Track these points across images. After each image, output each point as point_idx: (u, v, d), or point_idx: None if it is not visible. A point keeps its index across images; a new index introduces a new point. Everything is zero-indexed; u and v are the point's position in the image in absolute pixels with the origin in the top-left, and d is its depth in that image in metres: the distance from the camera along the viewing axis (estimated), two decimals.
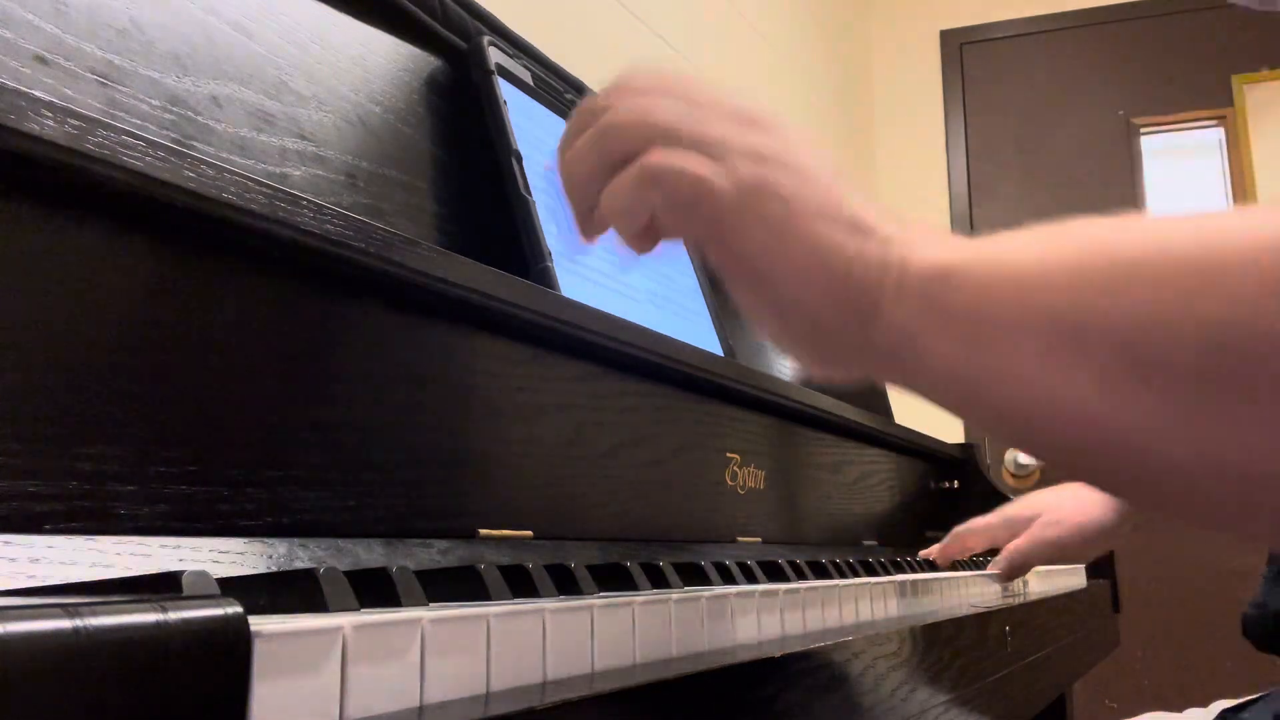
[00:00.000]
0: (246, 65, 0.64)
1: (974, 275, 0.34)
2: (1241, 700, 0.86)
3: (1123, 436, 0.31)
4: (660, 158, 0.38)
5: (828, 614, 0.60)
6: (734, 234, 0.38)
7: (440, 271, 0.54)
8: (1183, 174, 3.01)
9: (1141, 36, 3.04)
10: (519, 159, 0.80)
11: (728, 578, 0.60)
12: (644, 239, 0.41)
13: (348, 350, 0.51)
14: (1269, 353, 0.27)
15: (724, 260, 0.39)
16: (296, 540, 0.46)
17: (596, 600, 0.39)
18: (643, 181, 0.39)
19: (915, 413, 2.51)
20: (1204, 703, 0.95)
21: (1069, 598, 1.18)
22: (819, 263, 0.36)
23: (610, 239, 0.42)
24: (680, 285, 1.03)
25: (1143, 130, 2.99)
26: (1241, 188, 2.87)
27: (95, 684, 0.20)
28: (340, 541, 0.48)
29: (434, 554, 0.53)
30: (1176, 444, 0.30)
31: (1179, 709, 0.96)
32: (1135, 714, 0.97)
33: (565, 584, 0.45)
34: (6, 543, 0.34)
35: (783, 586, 0.55)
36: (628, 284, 0.91)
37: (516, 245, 0.78)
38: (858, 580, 0.69)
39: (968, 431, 2.93)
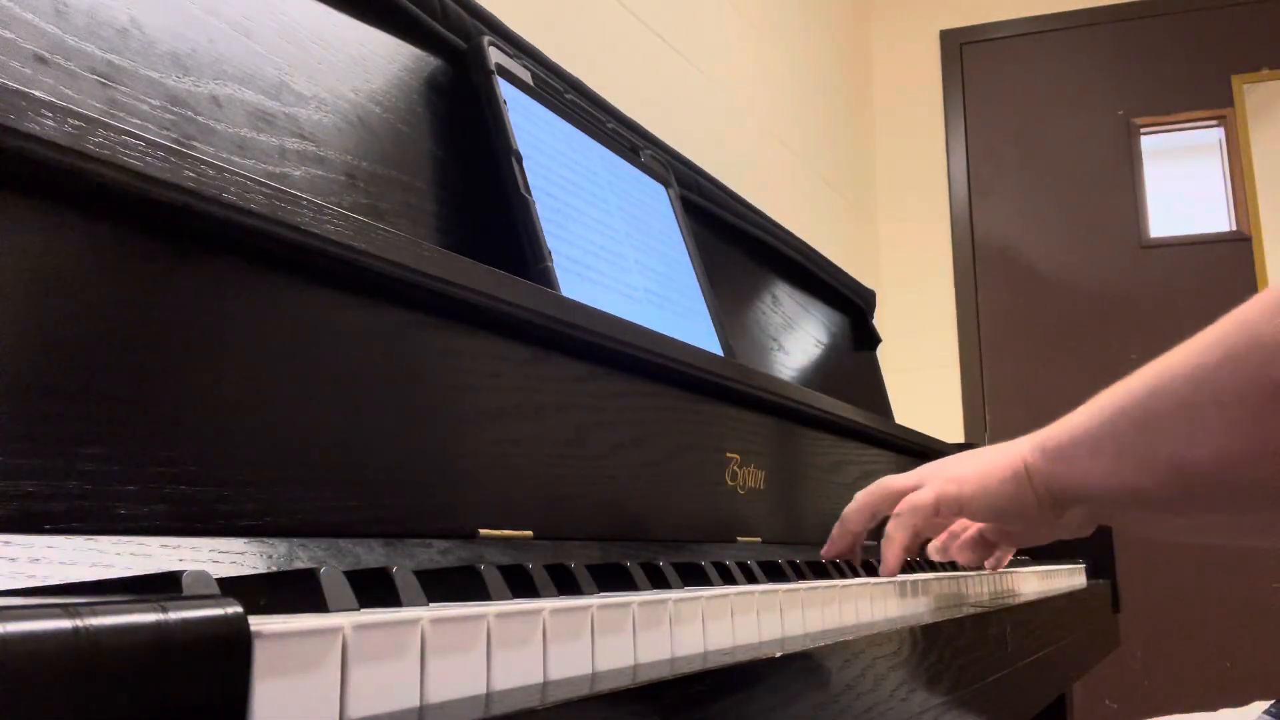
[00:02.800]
0: (246, 65, 0.64)
1: (1055, 436, 0.66)
2: None
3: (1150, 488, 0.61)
4: (903, 503, 0.76)
5: (827, 614, 0.60)
6: (950, 502, 0.74)
7: (440, 271, 0.54)
8: (1183, 174, 3.01)
9: (1141, 36, 3.04)
10: (519, 159, 0.80)
11: (728, 578, 0.60)
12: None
13: (348, 350, 0.51)
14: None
15: (967, 512, 0.75)
16: (296, 540, 0.46)
17: (596, 600, 0.39)
18: (905, 511, 0.75)
19: (915, 413, 2.51)
20: (1207, 704, 0.95)
21: (1069, 598, 1.18)
22: (995, 476, 0.70)
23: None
24: (680, 285, 1.03)
25: (1143, 130, 2.99)
26: (1241, 188, 2.87)
27: (95, 684, 0.20)
28: (340, 541, 0.48)
29: (434, 554, 0.53)
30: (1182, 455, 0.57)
31: (1187, 710, 0.96)
32: (1135, 714, 0.98)
33: (565, 584, 0.45)
34: (6, 543, 0.34)
35: (783, 586, 0.55)
36: (628, 284, 0.91)
37: (516, 245, 0.78)
38: (858, 580, 0.69)
39: (968, 431, 2.93)
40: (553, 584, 0.44)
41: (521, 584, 0.42)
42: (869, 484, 0.81)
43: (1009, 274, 3.02)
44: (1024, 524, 0.73)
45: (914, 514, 0.73)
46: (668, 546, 0.76)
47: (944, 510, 0.73)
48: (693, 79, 1.94)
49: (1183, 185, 2.99)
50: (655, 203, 1.08)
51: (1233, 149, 2.90)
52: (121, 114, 0.53)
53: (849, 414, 1.12)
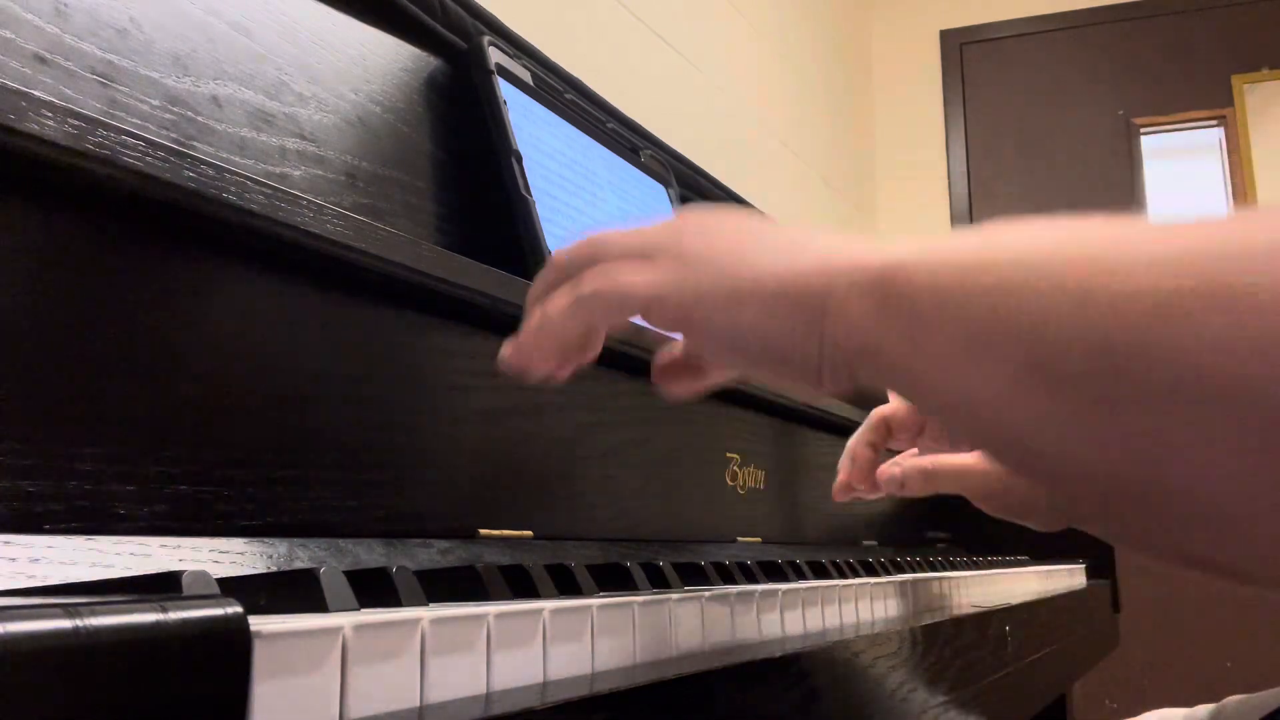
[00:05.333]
0: (246, 65, 0.64)
1: (917, 273, 0.35)
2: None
3: (1032, 435, 0.31)
4: (589, 281, 0.40)
5: (828, 614, 0.60)
6: (685, 308, 0.39)
7: (440, 271, 0.54)
8: (1183, 174, 3.01)
9: (1141, 36, 3.04)
10: (519, 159, 0.80)
11: (728, 578, 0.60)
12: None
13: (347, 350, 0.51)
14: (1150, 365, 0.27)
15: (695, 335, 0.41)
16: (296, 540, 0.46)
17: (596, 600, 0.39)
18: (590, 301, 0.40)
19: None
20: (1207, 701, 0.94)
21: (1069, 598, 1.18)
22: (760, 287, 0.38)
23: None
24: None
25: (1143, 130, 2.99)
26: (1241, 188, 2.87)
27: (95, 684, 0.20)
28: (340, 541, 0.48)
29: (434, 554, 0.53)
30: (1076, 447, 0.30)
31: (1187, 705, 0.96)
32: (1135, 713, 0.97)
33: (565, 584, 0.45)
34: (6, 543, 0.34)
35: (783, 586, 0.55)
36: None
37: (516, 245, 0.78)
38: (858, 580, 0.69)
39: None
40: (553, 584, 0.44)
41: (521, 584, 0.42)
42: None
43: None
44: (774, 375, 0.40)
45: (593, 306, 0.40)
46: (668, 546, 0.76)
47: (654, 314, 0.40)
48: (693, 79, 1.94)
49: (1183, 185, 2.99)
50: (655, 203, 1.08)
51: (1233, 149, 2.90)
52: (121, 114, 0.53)
53: (849, 414, 1.12)
